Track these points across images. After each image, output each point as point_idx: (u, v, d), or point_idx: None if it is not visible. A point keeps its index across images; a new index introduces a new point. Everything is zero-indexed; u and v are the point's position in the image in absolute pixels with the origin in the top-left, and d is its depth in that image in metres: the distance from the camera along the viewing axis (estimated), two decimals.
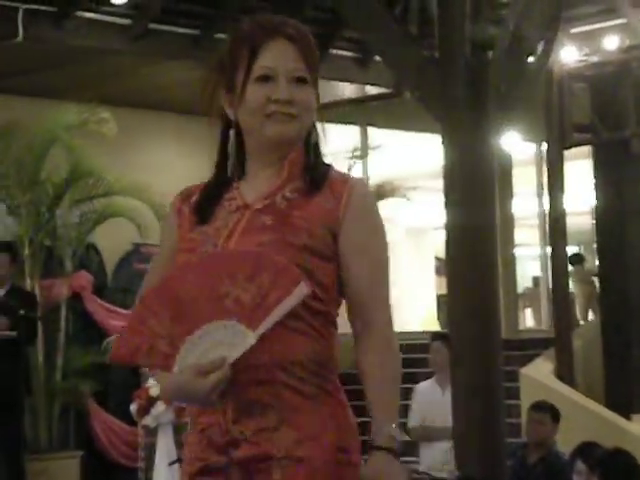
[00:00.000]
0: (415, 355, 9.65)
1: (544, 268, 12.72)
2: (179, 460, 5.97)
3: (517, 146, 11.68)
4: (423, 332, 11.09)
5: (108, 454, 8.87)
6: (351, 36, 9.84)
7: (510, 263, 11.70)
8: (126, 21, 9.11)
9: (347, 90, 11.10)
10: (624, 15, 9.43)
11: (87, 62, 9.15)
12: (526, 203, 12.63)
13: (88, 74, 9.40)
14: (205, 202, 2.08)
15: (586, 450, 5.38)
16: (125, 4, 8.82)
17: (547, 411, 6.06)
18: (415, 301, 15.80)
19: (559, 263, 9.24)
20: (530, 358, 9.30)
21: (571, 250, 11.08)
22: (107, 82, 9.61)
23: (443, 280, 10.61)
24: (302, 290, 1.91)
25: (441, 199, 5.95)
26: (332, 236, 2.01)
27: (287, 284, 1.91)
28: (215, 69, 2.11)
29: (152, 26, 9.19)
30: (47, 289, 8.72)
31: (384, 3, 6.37)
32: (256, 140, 2.06)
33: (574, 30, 9.44)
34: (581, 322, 12.34)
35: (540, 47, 5.96)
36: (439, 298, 15.78)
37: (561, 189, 9.18)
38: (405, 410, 6.79)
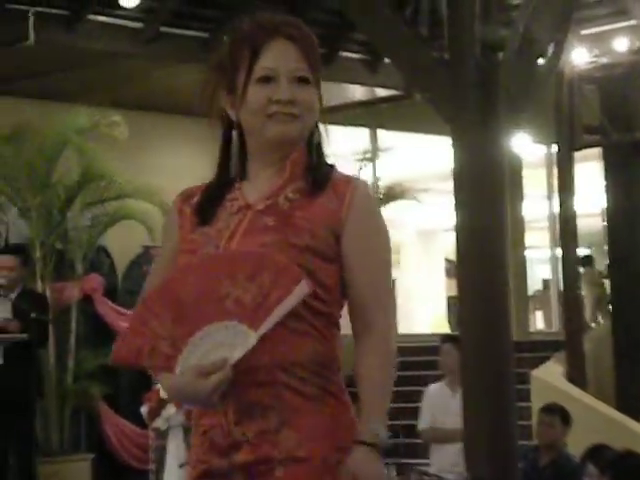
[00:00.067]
0: (425, 357, 9.66)
1: (554, 270, 12.71)
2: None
3: (527, 148, 11.68)
4: (433, 334, 11.08)
5: (119, 456, 8.88)
6: (360, 38, 9.85)
7: (520, 265, 11.69)
8: (137, 24, 9.14)
9: (357, 92, 11.11)
10: (634, 17, 9.42)
11: (98, 65, 9.18)
12: (536, 205, 12.62)
13: (99, 77, 9.43)
14: (206, 203, 2.07)
15: (597, 452, 5.37)
16: (136, 7, 8.85)
17: (557, 413, 6.05)
18: (425, 303, 15.79)
19: (569, 265, 9.23)
20: (541, 360, 9.28)
21: (581, 252, 11.06)
22: (118, 85, 9.64)
23: (453, 282, 10.61)
24: (303, 289, 1.90)
25: (451, 201, 5.95)
26: (335, 237, 2.00)
27: (288, 283, 1.90)
28: (215, 70, 2.09)
29: (163, 29, 9.23)
30: (58, 292, 8.74)
31: (394, 5, 6.38)
32: (258, 141, 2.05)
33: (584, 32, 9.43)
34: (592, 324, 12.31)
35: (550, 49, 5.96)
36: (449, 300, 15.77)
37: (571, 191, 9.17)
38: (415, 412, 6.79)
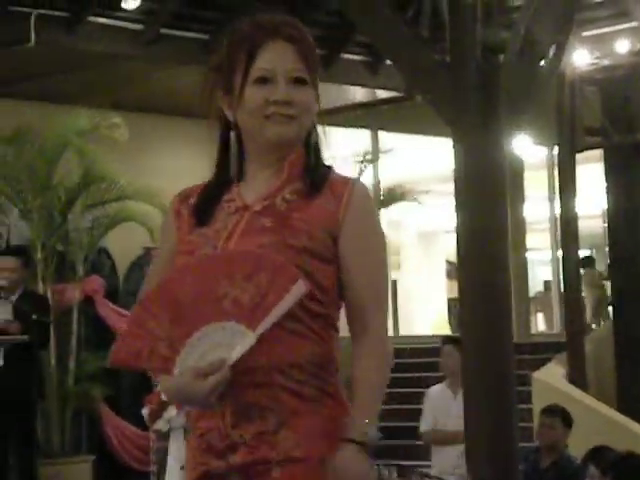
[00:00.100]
0: (425, 359, 9.66)
1: (555, 272, 12.71)
2: None
3: (528, 149, 11.68)
4: (434, 336, 11.08)
5: (120, 458, 8.88)
6: (361, 40, 9.85)
7: (521, 267, 11.69)
8: (138, 26, 9.14)
9: (358, 94, 11.11)
10: (635, 19, 9.41)
11: (99, 67, 9.18)
12: (537, 207, 12.62)
13: (100, 79, 9.43)
14: (204, 204, 2.07)
15: (598, 454, 5.36)
16: (136, 9, 8.86)
17: (558, 415, 6.05)
18: (426, 305, 15.79)
19: (571, 267, 9.23)
20: (542, 362, 9.28)
21: (582, 254, 11.06)
22: (119, 87, 9.64)
23: (454, 284, 10.60)
24: (300, 288, 1.90)
25: (452, 203, 5.95)
26: (332, 238, 2.00)
27: (285, 283, 1.90)
28: (214, 70, 2.09)
29: (163, 31, 9.22)
30: (59, 293, 8.74)
31: (395, 7, 6.38)
32: (255, 141, 2.05)
33: (585, 33, 9.43)
34: (593, 326, 12.31)
35: (552, 51, 5.96)
36: (450, 302, 15.77)
37: (573, 192, 9.17)
38: (416, 414, 6.79)
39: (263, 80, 2.01)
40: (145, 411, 6.87)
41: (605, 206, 9.99)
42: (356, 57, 10.33)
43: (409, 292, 15.68)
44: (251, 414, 1.94)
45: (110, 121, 8.69)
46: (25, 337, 7.06)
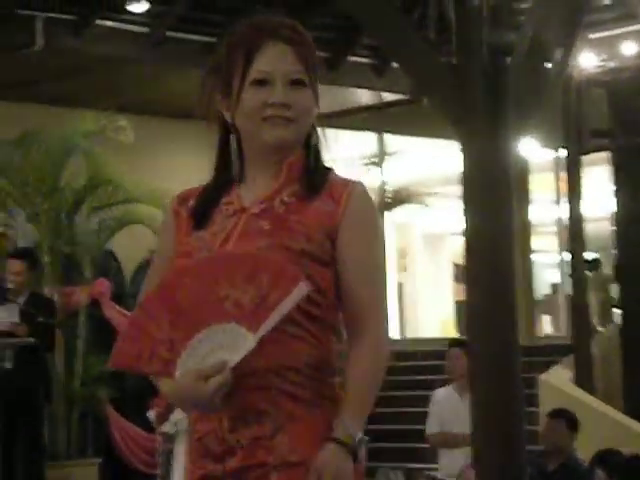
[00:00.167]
0: (432, 362, 9.65)
1: (562, 275, 12.69)
2: None
3: (535, 152, 11.66)
4: (440, 339, 11.07)
5: (126, 461, 8.88)
6: (368, 43, 9.85)
7: (528, 270, 11.68)
8: (144, 29, 9.16)
9: (364, 97, 11.11)
10: None
11: (105, 70, 9.20)
12: (544, 209, 12.61)
13: (106, 82, 9.45)
14: (202, 206, 2.05)
15: (605, 457, 5.36)
16: (143, 13, 8.87)
17: (563, 418, 6.04)
18: (432, 307, 15.77)
19: (577, 269, 9.22)
20: (549, 365, 9.27)
21: (589, 256, 11.04)
22: (125, 90, 9.65)
23: (461, 286, 10.59)
24: (302, 290, 1.89)
25: (458, 205, 5.94)
26: (330, 241, 1.98)
27: (286, 284, 1.89)
28: (212, 73, 2.08)
29: (170, 34, 9.24)
30: (66, 296, 8.75)
31: (402, 10, 6.38)
32: (254, 144, 2.03)
33: (592, 36, 9.42)
34: (599, 328, 12.29)
35: (559, 53, 5.95)
36: (457, 304, 15.75)
37: (579, 195, 9.16)
38: (423, 417, 6.78)
39: (261, 82, 2.00)
40: (152, 414, 6.87)
41: (612, 208, 9.97)
42: (362, 60, 10.33)
43: (415, 295, 15.66)
44: (248, 418, 1.93)
45: (116, 124, 8.70)
46: (32, 340, 7.06)
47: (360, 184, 2.05)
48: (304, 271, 1.92)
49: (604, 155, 9.90)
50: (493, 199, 5.70)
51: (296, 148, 2.04)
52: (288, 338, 1.93)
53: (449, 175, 9.14)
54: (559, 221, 12.45)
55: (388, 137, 12.39)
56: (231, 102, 2.03)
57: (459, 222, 5.92)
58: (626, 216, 9.54)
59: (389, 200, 10.53)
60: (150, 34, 9.16)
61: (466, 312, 5.92)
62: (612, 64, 9.34)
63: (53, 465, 8.12)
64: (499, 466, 5.54)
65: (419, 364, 10.66)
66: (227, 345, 1.89)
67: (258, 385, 1.92)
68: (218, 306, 1.90)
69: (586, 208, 9.28)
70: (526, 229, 11.52)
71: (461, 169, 5.78)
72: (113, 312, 9.05)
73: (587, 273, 9.85)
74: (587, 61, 9.29)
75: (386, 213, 10.87)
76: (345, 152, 10.83)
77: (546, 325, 15.37)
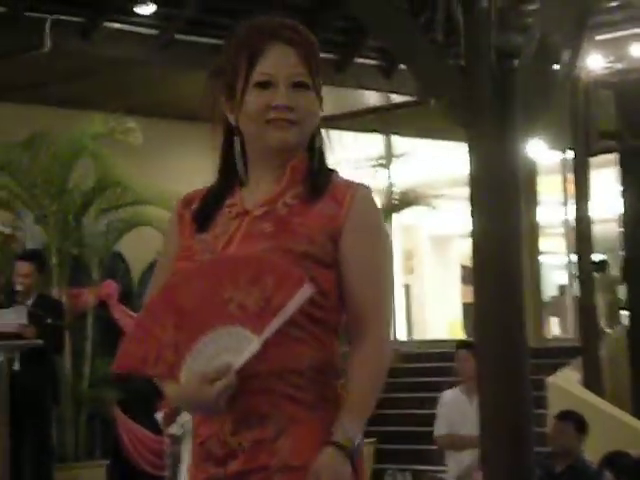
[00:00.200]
0: (440, 364, 9.64)
1: (570, 276, 12.67)
2: None
3: (543, 154, 11.66)
4: (448, 341, 11.06)
5: (134, 462, 8.89)
6: (376, 45, 9.86)
7: (536, 271, 11.67)
8: (152, 31, 9.18)
9: (372, 98, 11.12)
10: None
11: (114, 72, 9.22)
12: (551, 211, 12.59)
13: (115, 84, 9.47)
14: (205, 209, 2.05)
15: (614, 459, 5.35)
16: (151, 15, 8.89)
17: (570, 421, 6.03)
18: (440, 309, 15.77)
19: (585, 271, 9.21)
20: (557, 367, 9.26)
21: (596, 258, 11.03)
22: (133, 92, 9.67)
23: (468, 288, 10.59)
24: (306, 292, 1.88)
25: (466, 207, 5.94)
26: (333, 243, 1.97)
27: (291, 286, 1.88)
28: (215, 75, 2.07)
29: (178, 36, 9.26)
30: (74, 298, 8.77)
31: (409, 12, 6.38)
32: (257, 146, 2.03)
33: (600, 37, 9.42)
34: (607, 330, 12.27)
35: (566, 55, 5.95)
36: (464, 306, 15.74)
37: (587, 196, 9.15)
38: (431, 419, 6.78)
39: (264, 85, 1.99)
40: (159, 415, 6.88)
41: (619, 210, 9.96)
42: (370, 61, 10.34)
43: (423, 297, 15.66)
44: (250, 421, 1.92)
45: (125, 126, 8.71)
46: (40, 341, 7.07)
47: (363, 186, 2.04)
48: (307, 274, 1.91)
49: (612, 157, 9.88)
50: (501, 201, 5.69)
51: (299, 150, 2.03)
52: (291, 341, 1.92)
53: (457, 177, 9.13)
54: (567, 223, 12.44)
55: (395, 139, 12.39)
56: (234, 104, 2.02)
57: (466, 224, 5.93)
58: (634, 217, 9.52)
59: (396, 202, 10.52)
60: (158, 36, 9.18)
61: (474, 314, 5.91)
62: (620, 66, 9.33)
63: (61, 467, 8.13)
64: (507, 468, 5.53)
65: (427, 366, 10.65)
66: (232, 348, 1.89)
67: (261, 388, 1.92)
68: (222, 309, 1.89)
69: (594, 210, 9.27)
70: (534, 231, 11.51)
71: (469, 171, 5.78)
72: (121, 314, 9.07)
73: (594, 275, 9.83)
74: (595, 63, 9.28)
75: (393, 215, 10.86)
76: (352, 154, 10.83)
77: (554, 327, 15.34)
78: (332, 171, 2.06)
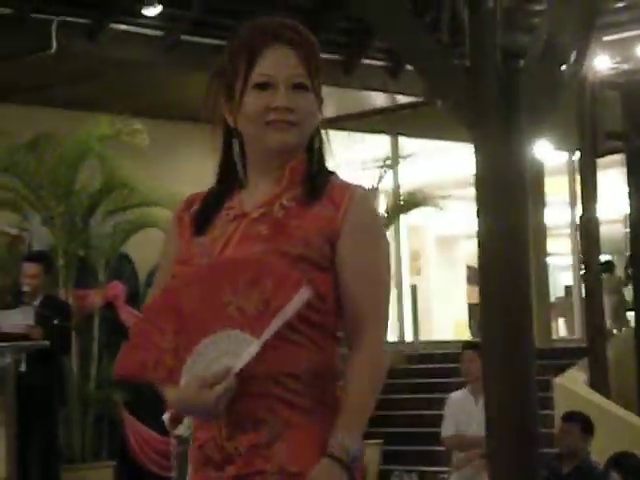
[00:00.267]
0: (446, 365, 9.64)
1: (576, 277, 12.66)
2: None
3: (549, 154, 11.65)
4: (454, 341, 11.06)
5: (141, 463, 8.90)
6: (382, 45, 9.86)
7: (542, 272, 11.66)
8: (158, 33, 9.19)
9: (378, 99, 11.12)
10: None
11: (120, 73, 9.23)
12: (558, 212, 12.59)
13: (121, 85, 9.48)
14: (204, 212, 2.04)
15: (620, 460, 5.35)
16: (157, 16, 8.90)
17: (576, 421, 6.03)
18: (446, 310, 15.77)
19: (592, 272, 9.19)
20: (563, 367, 9.25)
21: (603, 259, 11.02)
22: (140, 93, 9.68)
23: (474, 289, 10.58)
24: (304, 294, 1.87)
25: (472, 208, 5.94)
26: (330, 245, 1.95)
27: (289, 289, 1.87)
28: (216, 76, 2.06)
29: (184, 38, 9.27)
30: (81, 299, 8.78)
31: (415, 12, 6.38)
32: (256, 148, 2.01)
33: (606, 38, 9.41)
34: (614, 331, 12.26)
35: (573, 55, 5.94)
36: (470, 307, 15.74)
37: (594, 197, 9.14)
38: (437, 420, 6.78)
39: (263, 86, 1.98)
40: (166, 416, 6.88)
41: (626, 211, 9.94)
42: (376, 62, 10.34)
43: (429, 297, 15.66)
44: (245, 426, 1.91)
45: (131, 127, 8.72)
46: (47, 342, 7.08)
47: (361, 188, 2.02)
48: (304, 276, 1.90)
49: (618, 157, 9.86)
50: (507, 201, 5.69)
51: (299, 152, 2.02)
52: (287, 344, 1.91)
53: (463, 178, 9.12)
54: (573, 223, 12.43)
55: (402, 140, 12.39)
56: (234, 106, 2.01)
57: (473, 225, 5.92)
58: None
59: (403, 203, 10.51)
60: (164, 37, 9.19)
61: (480, 314, 5.91)
62: (626, 66, 9.32)
63: (68, 468, 8.15)
64: (513, 469, 5.53)
65: (433, 367, 10.65)
66: (231, 351, 1.88)
67: (257, 392, 1.90)
68: (222, 312, 1.88)
69: (600, 210, 9.26)
70: (540, 232, 11.50)
71: (475, 172, 5.78)
72: (128, 315, 9.08)
73: (601, 275, 9.81)
74: (601, 63, 9.27)
75: (400, 216, 10.87)
76: (359, 155, 10.83)
77: (560, 328, 15.34)
78: (331, 172, 2.04)
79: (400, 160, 11.94)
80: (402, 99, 11.01)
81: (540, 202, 11.56)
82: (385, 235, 2.05)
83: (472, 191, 5.88)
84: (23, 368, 7.13)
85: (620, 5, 9.51)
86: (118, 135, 8.70)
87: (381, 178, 10.42)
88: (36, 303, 7.34)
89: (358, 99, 10.62)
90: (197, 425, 1.99)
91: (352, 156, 10.71)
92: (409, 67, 8.55)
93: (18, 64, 8.84)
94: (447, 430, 6.55)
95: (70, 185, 8.70)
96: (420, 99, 10.44)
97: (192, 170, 10.25)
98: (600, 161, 9.29)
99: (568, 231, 13.02)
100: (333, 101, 9.64)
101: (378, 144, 12.09)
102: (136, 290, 9.76)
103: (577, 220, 11.03)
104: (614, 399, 8.70)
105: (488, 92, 5.66)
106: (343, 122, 10.19)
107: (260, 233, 1.96)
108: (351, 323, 1.97)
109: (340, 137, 10.91)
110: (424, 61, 5.99)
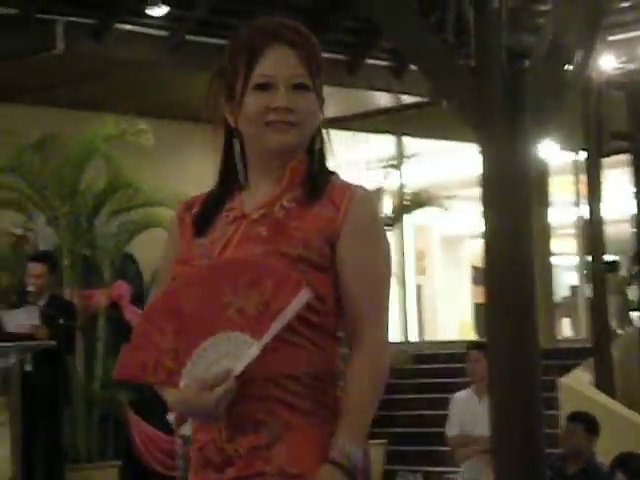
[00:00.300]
0: (451, 365, 9.63)
1: (582, 277, 12.65)
2: None
3: (554, 154, 11.64)
4: (459, 342, 11.05)
5: (146, 463, 8.91)
6: (386, 45, 9.86)
7: (547, 272, 11.64)
8: (163, 33, 9.20)
9: (383, 99, 11.12)
10: None
11: (125, 74, 9.24)
12: (563, 212, 12.58)
13: (126, 85, 9.49)
14: (205, 213, 2.04)
15: (626, 460, 5.34)
16: (162, 16, 8.91)
17: (580, 422, 6.02)
18: (451, 310, 15.76)
19: (597, 272, 9.18)
20: (568, 368, 9.24)
21: (608, 259, 11.00)
22: (145, 93, 9.69)
23: (480, 289, 10.58)
24: (304, 296, 1.87)
25: (477, 208, 5.94)
26: (330, 246, 1.94)
27: (289, 291, 1.86)
28: (217, 76, 2.06)
29: (189, 37, 9.28)
30: (86, 299, 8.79)
31: (420, 12, 6.38)
32: (257, 149, 2.01)
33: (612, 38, 9.40)
34: (619, 331, 12.25)
35: (578, 55, 5.93)
36: (475, 307, 15.73)
37: (599, 197, 9.13)
38: (442, 420, 6.78)
39: (263, 86, 1.97)
40: (171, 416, 6.89)
41: (631, 211, 9.93)
42: (381, 62, 10.34)
43: (434, 297, 15.65)
44: (245, 428, 1.91)
45: (136, 127, 8.73)
46: (52, 342, 7.09)
47: (361, 188, 2.01)
48: (303, 277, 1.89)
49: (624, 157, 9.85)
50: (512, 201, 5.69)
51: (299, 152, 2.01)
52: (287, 346, 1.90)
53: (468, 178, 9.11)
54: (579, 223, 12.42)
55: (407, 140, 12.39)
56: (234, 106, 2.00)
57: (478, 225, 5.92)
58: None
59: (408, 203, 10.51)
60: (169, 38, 9.20)
61: (485, 314, 5.91)
62: (632, 66, 9.31)
63: (73, 467, 8.16)
64: (518, 469, 5.53)
65: (438, 367, 10.64)
66: (231, 353, 1.88)
67: (256, 394, 1.90)
68: (222, 314, 1.88)
69: (606, 210, 9.25)
70: (545, 231, 11.49)
71: (480, 171, 5.78)
72: (133, 315, 9.08)
73: (606, 275, 9.79)
74: (606, 63, 9.26)
75: (405, 216, 10.86)
76: (363, 155, 10.84)
77: (565, 328, 15.32)
78: (332, 173, 2.04)
79: (405, 160, 11.95)
80: (407, 99, 11.01)
81: (545, 202, 11.55)
82: (385, 235, 2.04)
83: (477, 191, 5.88)
84: (28, 368, 7.14)
85: (625, 5, 9.50)
86: (123, 135, 8.71)
87: (386, 178, 10.43)
88: (41, 303, 7.35)
89: (363, 99, 10.61)
90: (197, 427, 1.99)
91: (357, 156, 10.73)
92: (414, 67, 8.54)
93: (23, 64, 8.85)
94: (452, 430, 6.55)
95: (75, 185, 8.71)
96: (425, 99, 10.44)
97: (197, 170, 10.26)
98: (605, 161, 9.28)
99: (573, 231, 13.00)
100: (337, 101, 9.64)
101: (383, 144, 12.10)
102: (141, 290, 9.75)
103: (582, 220, 11.04)
104: (619, 399, 8.69)
105: (493, 92, 5.66)
106: (348, 122, 10.19)
107: (260, 234, 1.95)
108: (351, 323, 1.96)
109: (345, 137, 10.94)
110: (429, 61, 5.99)
